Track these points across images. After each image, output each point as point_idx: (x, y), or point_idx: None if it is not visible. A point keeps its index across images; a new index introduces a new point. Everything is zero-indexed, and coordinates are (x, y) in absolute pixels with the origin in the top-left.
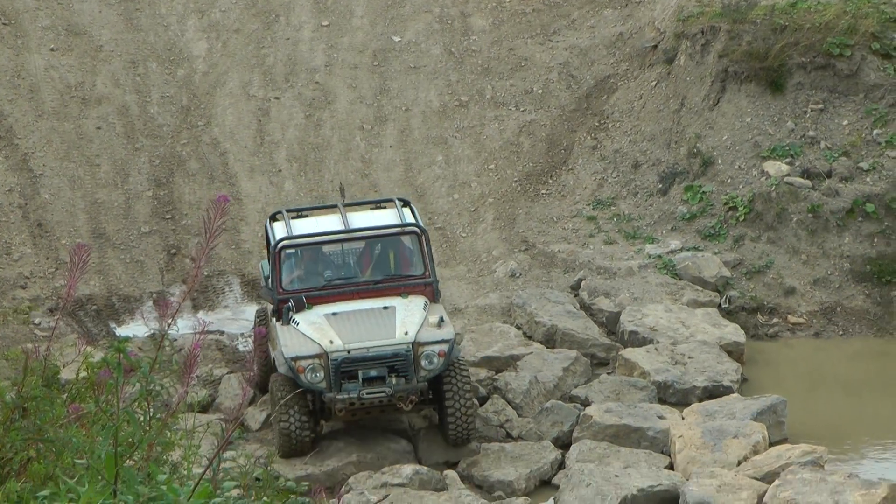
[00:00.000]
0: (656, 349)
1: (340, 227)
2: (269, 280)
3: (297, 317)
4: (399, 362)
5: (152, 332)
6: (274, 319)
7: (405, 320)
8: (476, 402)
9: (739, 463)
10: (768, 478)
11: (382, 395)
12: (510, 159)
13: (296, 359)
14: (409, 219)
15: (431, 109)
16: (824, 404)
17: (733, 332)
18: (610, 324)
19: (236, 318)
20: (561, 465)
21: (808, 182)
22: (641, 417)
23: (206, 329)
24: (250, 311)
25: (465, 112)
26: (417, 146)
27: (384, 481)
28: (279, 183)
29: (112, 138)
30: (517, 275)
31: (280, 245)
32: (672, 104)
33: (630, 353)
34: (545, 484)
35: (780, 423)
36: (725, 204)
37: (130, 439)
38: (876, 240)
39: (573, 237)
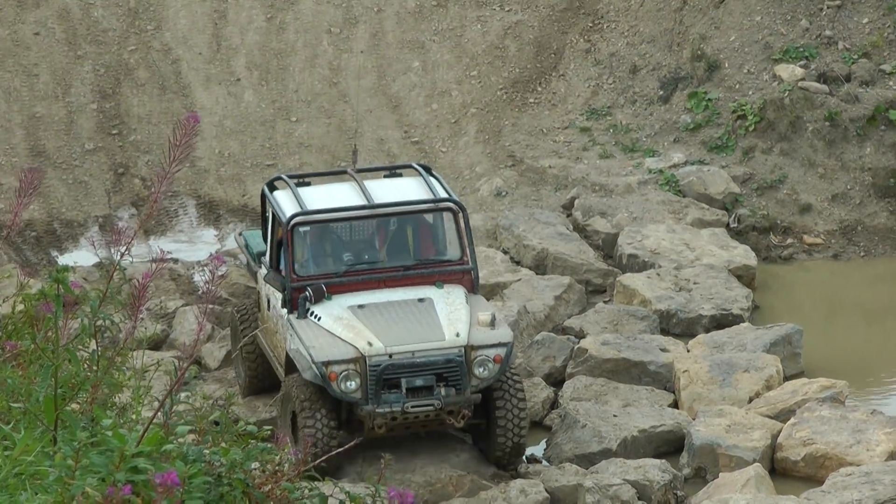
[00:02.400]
0: (658, 274)
1: (360, 199)
2: (269, 261)
3: (317, 309)
4: (450, 369)
5: (101, 260)
6: (285, 311)
7: (451, 317)
8: (528, 416)
9: (751, 400)
10: (783, 416)
11: (430, 408)
12: (494, 65)
13: (327, 363)
14: (440, 190)
15: (406, 10)
16: (844, 333)
17: (743, 254)
18: (606, 247)
19: (192, 243)
20: (553, 404)
21: (824, 87)
22: (642, 350)
23: (163, 257)
24: (207, 235)
25: (444, 13)
26: (391, 51)
27: None
28: (238, 93)
29: (52, 45)
30: (503, 193)
31: (294, 221)
32: (674, 2)
33: (629, 279)
34: (536, 425)
35: (795, 354)
36: (733, 112)
37: (73, 380)
38: None
39: (565, 151)
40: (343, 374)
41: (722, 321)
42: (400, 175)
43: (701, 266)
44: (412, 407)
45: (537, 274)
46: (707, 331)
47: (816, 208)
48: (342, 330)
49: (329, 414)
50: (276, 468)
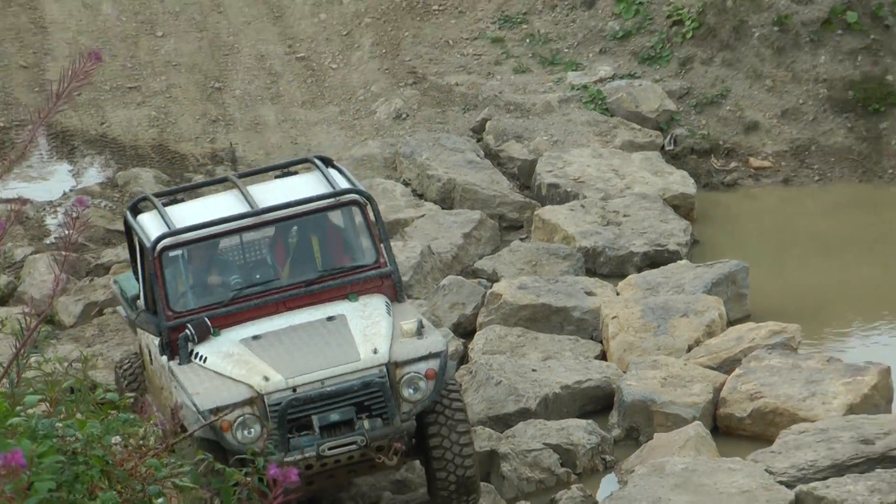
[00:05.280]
0: (583, 206)
1: (243, 206)
2: (143, 301)
3: (202, 349)
4: (371, 396)
5: None
6: (165, 358)
7: (367, 332)
8: (473, 440)
9: (690, 348)
10: (727, 366)
11: (353, 447)
12: None
13: (215, 410)
14: (342, 183)
15: None
16: (796, 270)
17: (680, 181)
18: (523, 175)
19: (44, 180)
20: (464, 358)
21: None
22: (565, 295)
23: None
24: (61, 170)
25: None
26: None
27: None
28: (95, 5)
29: None
30: (404, 116)
31: (160, 246)
32: None
33: (549, 213)
34: None
35: (740, 295)
36: (668, 17)
37: None
38: (860, 58)
39: (475, 66)
40: (238, 420)
41: (656, 259)
42: (295, 173)
43: (632, 196)
44: (330, 449)
45: (443, 208)
46: (639, 270)
47: (764, 126)
48: (233, 368)
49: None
50: (141, 442)
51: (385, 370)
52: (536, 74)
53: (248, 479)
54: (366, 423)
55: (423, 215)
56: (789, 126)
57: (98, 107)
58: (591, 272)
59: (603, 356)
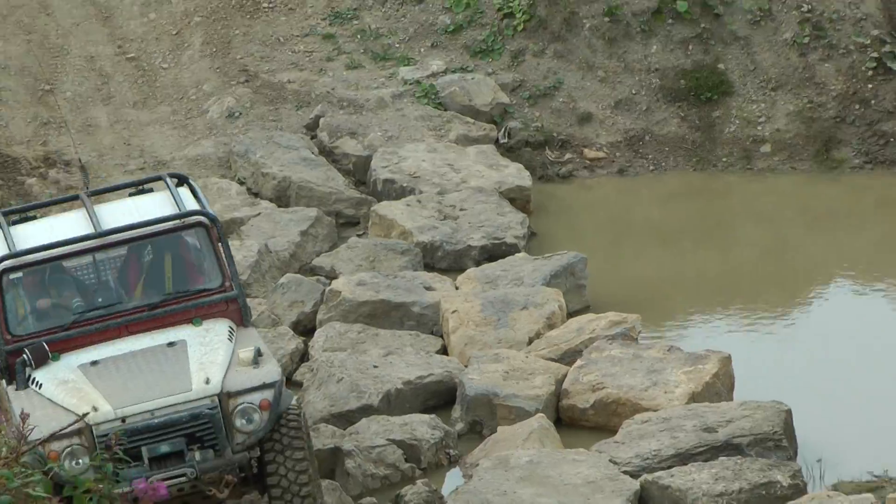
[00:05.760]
0: (419, 201)
1: (88, 228)
2: None
3: (39, 374)
4: (202, 427)
5: None
6: (3, 382)
7: (203, 360)
8: (317, 473)
9: (531, 341)
10: (568, 357)
11: (183, 479)
12: None
13: (44, 441)
14: (191, 203)
15: None
16: (634, 260)
17: (515, 173)
18: (359, 172)
19: None
20: (304, 356)
21: None
22: (404, 290)
23: None
24: None
25: None
26: None
27: None
28: None
29: None
30: (236, 114)
31: (0, 267)
32: None
33: (386, 209)
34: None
35: (579, 287)
36: (499, 10)
37: None
38: (691, 47)
39: (306, 62)
40: (66, 451)
41: (494, 252)
42: (150, 190)
43: (468, 189)
44: (159, 481)
45: (279, 206)
46: (478, 264)
47: (598, 118)
48: (65, 396)
49: None
50: None
51: (217, 401)
52: (369, 70)
53: (100, 486)
54: (196, 455)
55: (258, 214)
56: (623, 116)
57: None
58: (429, 267)
59: (444, 351)
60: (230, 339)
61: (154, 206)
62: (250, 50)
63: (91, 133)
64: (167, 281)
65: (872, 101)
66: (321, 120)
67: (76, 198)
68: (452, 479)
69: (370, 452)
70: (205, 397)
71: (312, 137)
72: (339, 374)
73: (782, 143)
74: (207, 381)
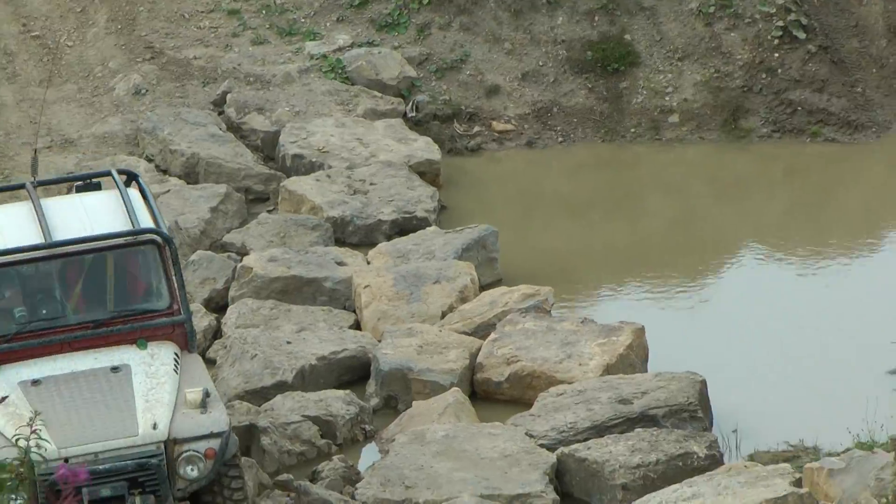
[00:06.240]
0: (328, 176)
1: (36, 230)
2: None
3: None
4: (146, 474)
5: None
6: None
7: (149, 398)
8: None
9: (444, 315)
10: (482, 330)
11: None
12: None
13: None
14: (143, 212)
15: None
16: (545, 232)
17: (424, 147)
18: (267, 147)
19: None
20: (217, 333)
21: None
22: (315, 265)
23: None
24: None
25: None
26: None
27: None
28: None
29: None
30: (143, 91)
31: None
32: None
33: (295, 184)
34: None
35: (491, 260)
36: None
37: None
38: (597, 18)
39: (212, 38)
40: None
41: (405, 226)
42: (98, 186)
43: (377, 164)
44: None
45: (188, 183)
46: (389, 238)
47: (505, 90)
48: (5, 424)
49: None
50: None
51: (163, 447)
52: (275, 45)
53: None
54: (137, 501)
55: (168, 191)
56: (530, 88)
57: None
58: (340, 242)
59: (357, 326)
60: (175, 371)
61: (103, 208)
62: (155, 27)
63: None
64: (116, 297)
65: (779, 70)
66: (228, 96)
67: (22, 186)
68: (369, 455)
69: (286, 429)
70: (151, 443)
71: (220, 114)
72: (252, 351)
73: (690, 114)
74: (154, 427)
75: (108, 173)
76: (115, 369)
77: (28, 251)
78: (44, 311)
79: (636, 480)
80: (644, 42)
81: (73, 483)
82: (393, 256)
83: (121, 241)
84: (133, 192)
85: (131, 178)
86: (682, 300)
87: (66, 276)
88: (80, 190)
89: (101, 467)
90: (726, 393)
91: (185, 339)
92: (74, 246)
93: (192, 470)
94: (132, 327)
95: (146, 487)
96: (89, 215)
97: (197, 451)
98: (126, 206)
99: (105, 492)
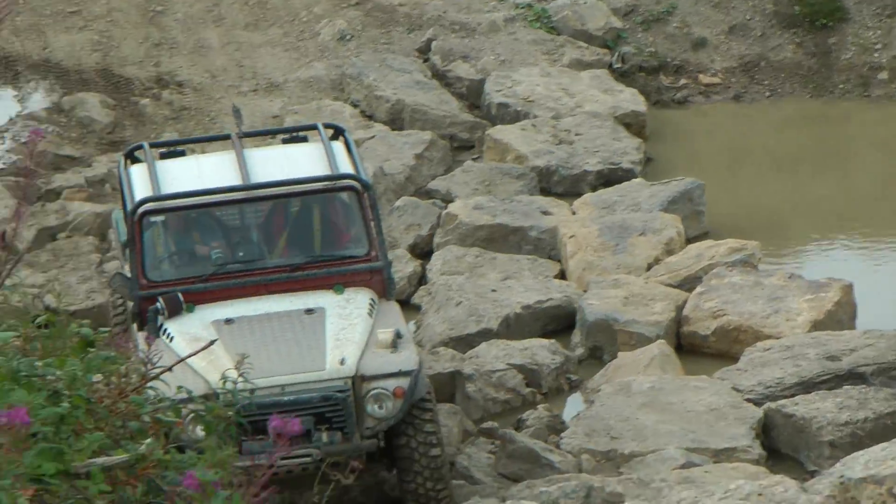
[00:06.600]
0: (534, 125)
1: (236, 175)
2: (127, 257)
3: (171, 325)
4: (332, 409)
5: None
6: (134, 327)
7: (340, 337)
8: (447, 463)
9: (650, 267)
10: (688, 283)
11: (308, 459)
12: None
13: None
14: (345, 162)
15: None
16: (752, 186)
17: (630, 98)
18: (472, 95)
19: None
20: (422, 279)
21: None
22: (521, 214)
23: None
24: (6, 96)
25: None
26: None
27: None
28: None
29: None
30: (348, 37)
31: (141, 209)
32: None
33: (500, 132)
34: (403, 304)
35: (697, 213)
36: None
37: None
38: None
39: None
40: (189, 416)
41: (611, 177)
42: (304, 139)
43: (583, 114)
44: (282, 459)
45: (393, 129)
46: (594, 189)
47: (712, 43)
48: (196, 356)
49: None
50: (123, 380)
51: (350, 383)
52: None
53: (231, 412)
54: (324, 436)
55: (373, 136)
56: (737, 42)
57: (40, 31)
58: (545, 191)
59: (562, 275)
60: (370, 315)
61: (306, 159)
62: None
63: (203, 54)
64: (315, 242)
65: None
66: (433, 43)
67: (227, 137)
68: (573, 405)
69: (490, 377)
70: (338, 378)
71: (425, 60)
72: (457, 298)
73: None
74: (342, 362)
75: (315, 126)
76: (309, 311)
77: (227, 192)
78: (241, 254)
79: (844, 438)
80: None
81: (286, 433)
82: (598, 207)
83: (318, 185)
84: (337, 145)
85: (338, 132)
86: (890, 257)
87: (264, 220)
88: (285, 142)
89: (286, 398)
90: None
91: (382, 286)
92: (272, 189)
93: (379, 408)
94: (329, 272)
95: (333, 424)
96: (290, 164)
97: (385, 389)
98: (328, 156)
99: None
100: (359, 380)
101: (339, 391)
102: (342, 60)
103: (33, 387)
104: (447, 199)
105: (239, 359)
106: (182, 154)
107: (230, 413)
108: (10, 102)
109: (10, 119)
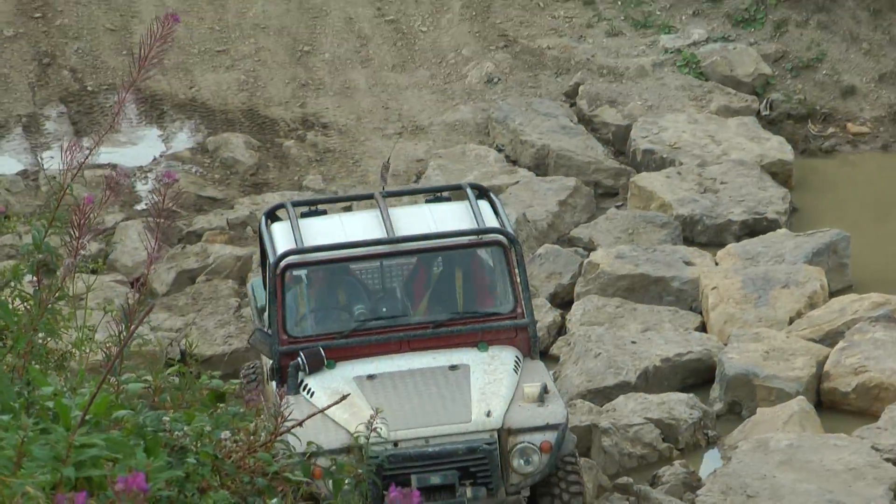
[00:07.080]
0: (679, 173)
1: (381, 231)
2: (266, 317)
3: (312, 381)
4: (477, 462)
5: (26, 168)
6: (274, 384)
7: (486, 390)
8: None
9: (792, 320)
10: (830, 338)
11: None
12: None
13: (310, 455)
14: (491, 220)
15: None
16: None
17: (777, 147)
18: (618, 141)
19: (133, 145)
20: (561, 329)
21: None
22: (663, 264)
23: (112, 167)
24: (150, 135)
25: None
26: None
27: None
28: None
29: None
30: (495, 80)
31: (284, 262)
32: None
33: (645, 180)
34: (541, 355)
35: (842, 265)
36: None
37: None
38: None
39: (566, 28)
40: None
41: (755, 227)
42: (448, 199)
43: (729, 162)
44: None
45: (537, 175)
46: (738, 239)
47: (861, 91)
48: (338, 409)
49: None
50: (251, 436)
51: (496, 436)
52: (629, 37)
53: (360, 471)
54: (468, 491)
55: (517, 182)
56: (887, 90)
57: (187, 70)
58: (688, 241)
59: (703, 328)
60: (515, 371)
61: (451, 216)
62: (510, 14)
63: (349, 95)
64: (458, 298)
65: None
66: (580, 87)
67: (371, 196)
68: (710, 461)
69: (627, 431)
70: (484, 431)
71: (571, 105)
72: (596, 349)
73: None
74: (489, 414)
75: (460, 187)
76: (453, 367)
77: (372, 245)
78: (384, 309)
79: None
80: None
81: None
82: (742, 258)
83: (465, 240)
84: (483, 204)
85: (483, 192)
86: None
87: (407, 274)
88: (429, 202)
89: (430, 450)
90: None
91: (527, 344)
92: (418, 243)
93: (525, 463)
94: (473, 328)
95: (477, 479)
96: (435, 219)
97: (532, 444)
98: (474, 213)
99: (435, 479)
100: (505, 433)
101: (486, 444)
102: (488, 104)
103: (159, 442)
104: (589, 248)
105: (380, 409)
106: (324, 213)
107: (360, 470)
108: (155, 142)
109: (154, 159)
